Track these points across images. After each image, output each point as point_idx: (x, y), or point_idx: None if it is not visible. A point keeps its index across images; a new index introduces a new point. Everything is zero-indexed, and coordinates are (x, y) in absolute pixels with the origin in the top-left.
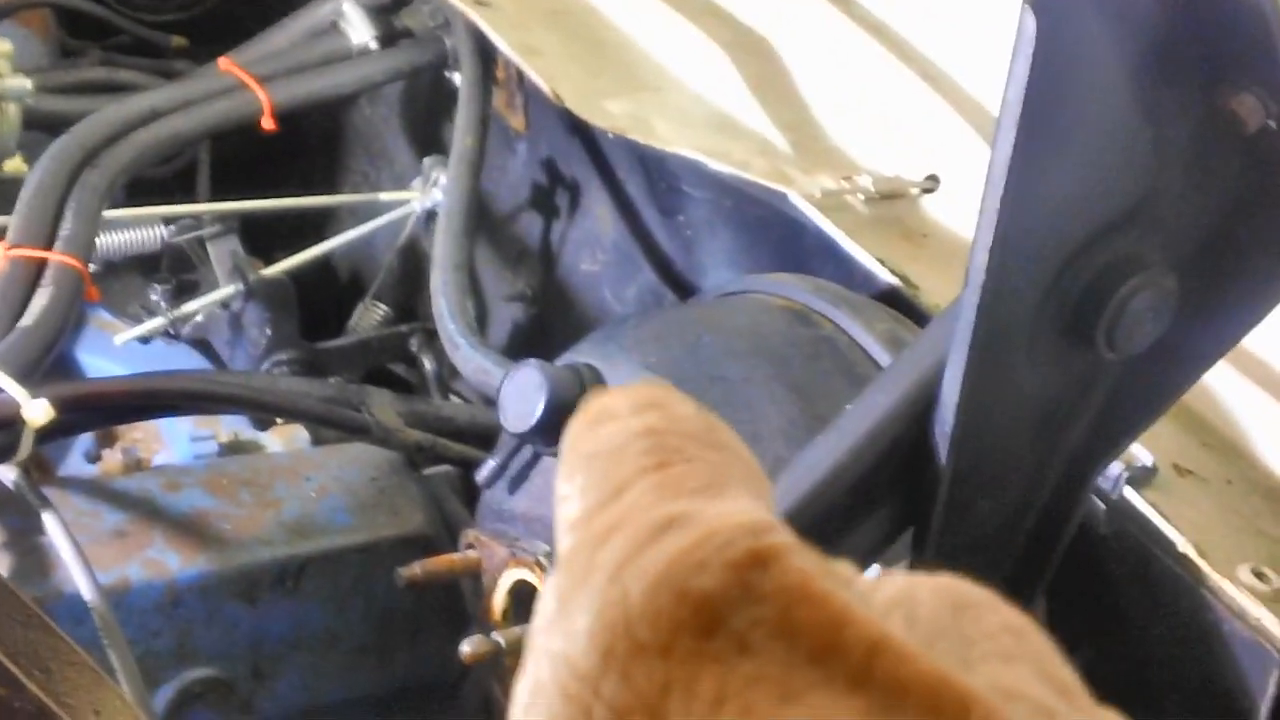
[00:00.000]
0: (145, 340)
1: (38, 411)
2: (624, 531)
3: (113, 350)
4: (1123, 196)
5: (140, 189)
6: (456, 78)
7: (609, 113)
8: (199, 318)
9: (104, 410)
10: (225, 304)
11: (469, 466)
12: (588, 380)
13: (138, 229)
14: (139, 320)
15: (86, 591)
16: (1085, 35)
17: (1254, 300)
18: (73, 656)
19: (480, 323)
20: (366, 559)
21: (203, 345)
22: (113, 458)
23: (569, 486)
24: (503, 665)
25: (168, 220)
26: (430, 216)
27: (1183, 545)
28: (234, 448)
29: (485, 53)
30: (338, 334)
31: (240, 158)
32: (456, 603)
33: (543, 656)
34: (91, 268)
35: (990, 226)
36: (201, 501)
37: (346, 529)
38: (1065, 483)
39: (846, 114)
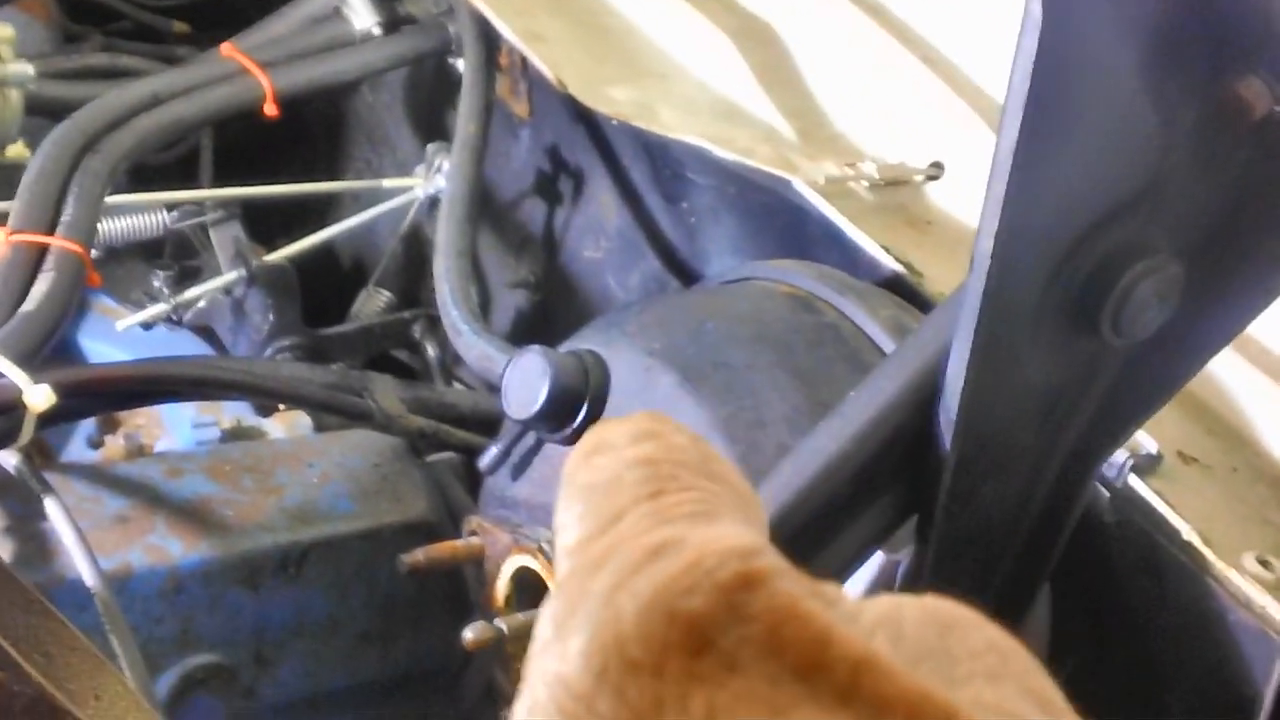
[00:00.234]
0: (147, 326)
1: (39, 397)
2: (617, 557)
3: (115, 336)
4: (1128, 182)
5: (143, 175)
6: (460, 64)
7: (613, 99)
8: (201, 304)
9: (106, 396)
10: (228, 290)
11: (472, 453)
12: (591, 367)
13: (140, 214)
14: (141, 306)
15: (88, 577)
16: (1091, 20)
17: (1260, 286)
18: (74, 642)
19: (483, 309)
20: (369, 546)
21: (205, 331)
22: (115, 443)
23: (567, 515)
24: (505, 652)
25: (170, 206)
26: (433, 203)
27: (1187, 533)
28: (236, 434)
29: (489, 39)
30: (340, 320)
31: (243, 144)
32: (459, 590)
33: (539, 678)
34: (93, 253)
35: (995, 212)
36: (204, 488)
37: (349, 515)
38: (1069, 470)
39: (851, 101)
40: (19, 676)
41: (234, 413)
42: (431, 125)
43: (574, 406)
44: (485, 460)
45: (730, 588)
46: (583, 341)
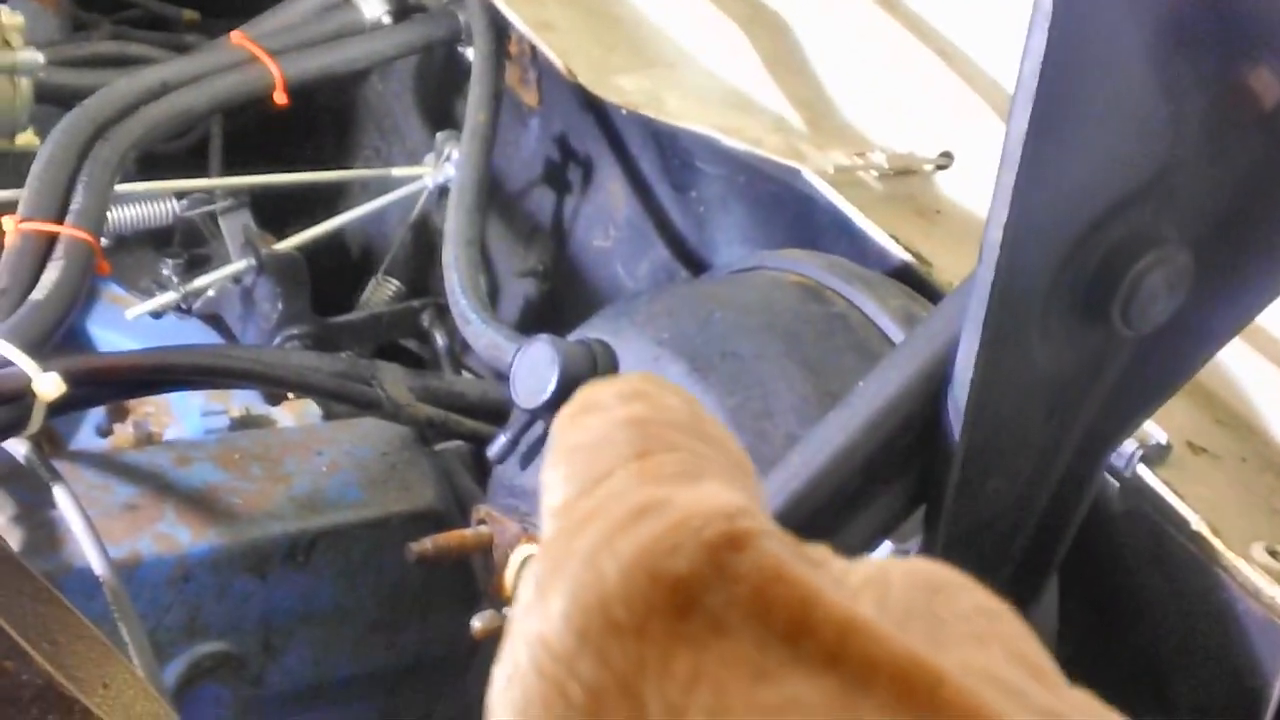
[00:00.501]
0: (157, 315)
1: (49, 385)
2: (601, 517)
3: (124, 324)
4: (1138, 171)
5: (152, 163)
6: (469, 53)
7: (622, 89)
8: (210, 292)
9: (115, 384)
10: (237, 279)
11: (480, 442)
12: (599, 356)
13: (149, 203)
14: (150, 294)
15: (97, 566)
16: (1101, 9)
17: (1269, 277)
18: (81, 630)
19: (492, 299)
20: (377, 534)
21: (214, 320)
22: (124, 432)
23: (553, 475)
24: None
25: (179, 194)
26: (442, 192)
27: (1196, 524)
28: (245, 422)
29: (498, 28)
30: (349, 309)
31: (252, 132)
32: (467, 579)
33: (519, 639)
34: (103, 242)
35: (1005, 202)
36: (212, 476)
37: (357, 504)
38: (1078, 460)
39: (860, 90)
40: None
41: (243, 401)
42: (441, 114)
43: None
44: (494, 449)
45: (716, 548)
46: (591, 330)
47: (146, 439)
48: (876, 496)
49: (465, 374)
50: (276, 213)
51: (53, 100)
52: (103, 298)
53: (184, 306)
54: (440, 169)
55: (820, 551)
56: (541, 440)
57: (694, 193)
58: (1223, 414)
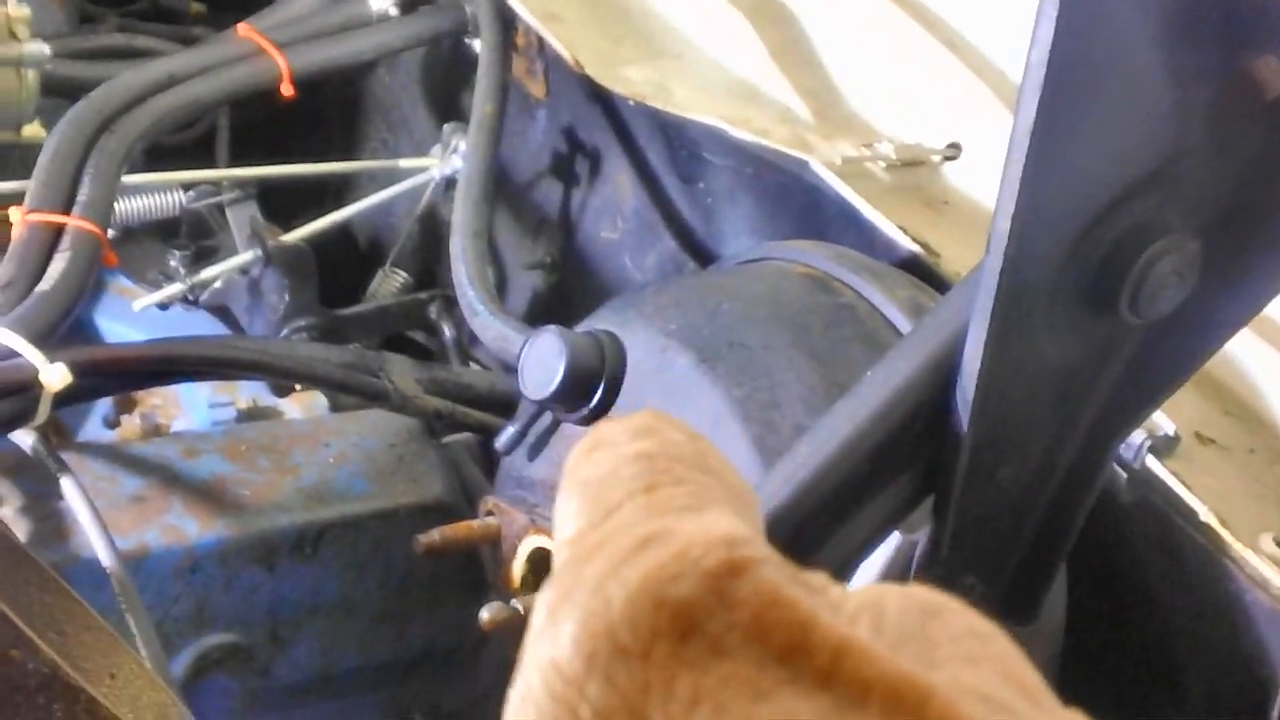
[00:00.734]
0: (164, 306)
1: (55, 376)
2: (609, 547)
3: (131, 316)
4: (1145, 161)
5: (159, 155)
6: (476, 44)
7: (629, 80)
8: (218, 284)
9: (122, 375)
10: (244, 270)
11: (488, 434)
12: (607, 347)
13: (156, 194)
14: (157, 286)
15: (105, 557)
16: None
17: (1278, 266)
18: (89, 620)
19: (500, 291)
20: (385, 526)
21: (221, 311)
22: (131, 423)
23: (565, 509)
24: (522, 633)
25: (187, 186)
26: (450, 184)
27: (1205, 515)
28: (252, 414)
29: (505, 19)
30: (356, 301)
31: (259, 124)
32: (475, 570)
33: (532, 663)
34: (110, 233)
35: (1013, 191)
36: (220, 468)
37: (365, 496)
38: (1086, 451)
39: (867, 81)
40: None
41: (250, 393)
42: (448, 106)
43: (590, 387)
44: (502, 440)
45: (716, 575)
46: (599, 322)
47: (154, 431)
48: (884, 486)
49: (472, 366)
50: (283, 204)
51: (59, 93)
52: (110, 289)
53: (191, 298)
54: (447, 161)
55: (818, 578)
56: (549, 431)
57: (701, 184)
58: (1231, 405)
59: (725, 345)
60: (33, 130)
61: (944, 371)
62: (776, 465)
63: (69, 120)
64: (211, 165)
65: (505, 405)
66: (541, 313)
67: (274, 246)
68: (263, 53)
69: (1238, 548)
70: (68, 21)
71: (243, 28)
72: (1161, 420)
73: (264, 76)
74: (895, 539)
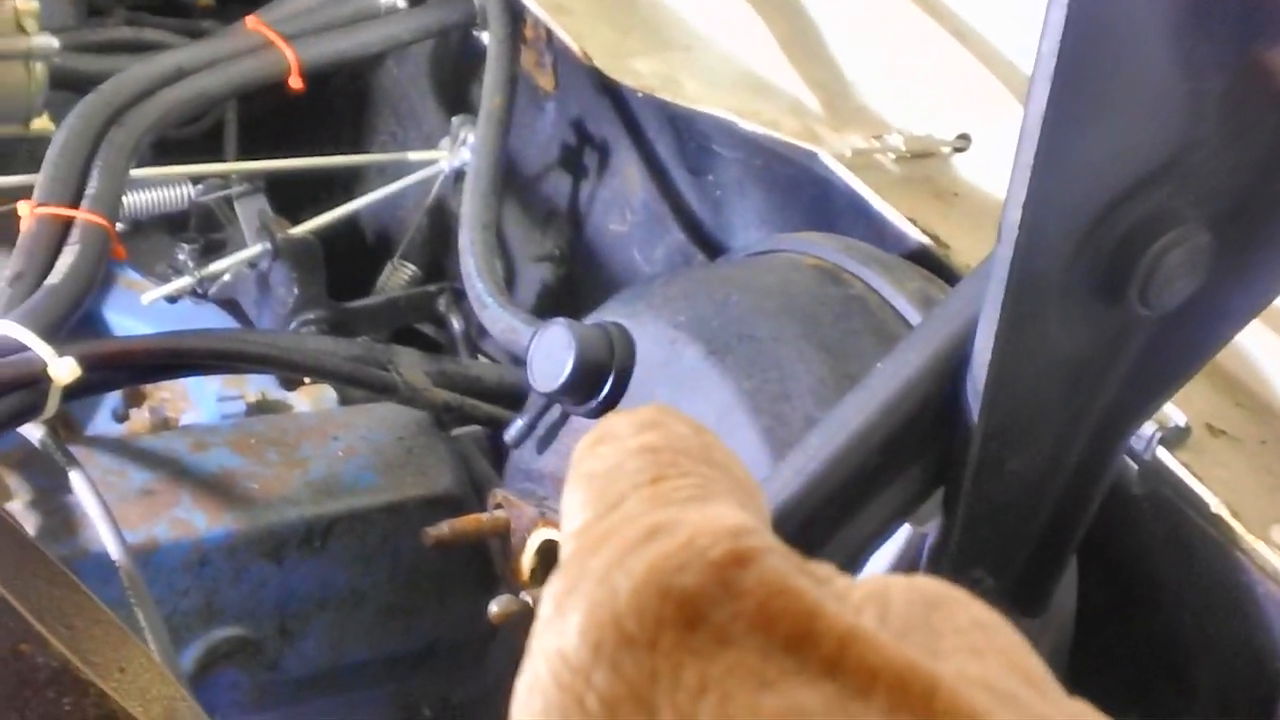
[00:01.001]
0: (172, 299)
1: (64, 370)
2: (615, 538)
3: (139, 309)
4: (1157, 151)
5: (167, 148)
6: (485, 37)
7: (638, 72)
8: (226, 277)
9: (131, 369)
10: (252, 263)
11: (497, 426)
12: (616, 339)
13: (165, 188)
14: (166, 279)
15: (114, 550)
16: None
17: None
18: (98, 614)
19: (508, 283)
20: (393, 519)
21: (230, 305)
22: (140, 417)
23: (571, 502)
24: (531, 626)
25: (195, 179)
26: (458, 176)
27: (1216, 506)
28: (261, 407)
29: (514, 11)
30: (365, 294)
31: (267, 117)
32: (484, 563)
33: (539, 654)
34: (118, 226)
35: (1023, 182)
36: (229, 461)
37: (373, 489)
38: (1097, 442)
39: (877, 73)
40: (43, 648)
41: (259, 386)
42: (456, 98)
43: (599, 379)
44: (511, 433)
45: (722, 565)
46: (608, 314)
47: (162, 424)
48: (894, 478)
49: (481, 358)
50: (292, 197)
51: (68, 86)
52: (118, 283)
53: (199, 291)
54: (456, 153)
55: (824, 569)
56: (558, 424)
57: (710, 176)
58: (1242, 397)
59: (735, 337)
60: (41, 124)
61: (954, 363)
62: (786, 457)
63: (77, 113)
64: (220, 158)
65: (514, 398)
66: (550, 305)
67: (282, 240)
68: (271, 45)
69: (1249, 539)
70: (76, 15)
71: (251, 20)
72: (1172, 412)
73: (272, 69)
74: (905, 531)
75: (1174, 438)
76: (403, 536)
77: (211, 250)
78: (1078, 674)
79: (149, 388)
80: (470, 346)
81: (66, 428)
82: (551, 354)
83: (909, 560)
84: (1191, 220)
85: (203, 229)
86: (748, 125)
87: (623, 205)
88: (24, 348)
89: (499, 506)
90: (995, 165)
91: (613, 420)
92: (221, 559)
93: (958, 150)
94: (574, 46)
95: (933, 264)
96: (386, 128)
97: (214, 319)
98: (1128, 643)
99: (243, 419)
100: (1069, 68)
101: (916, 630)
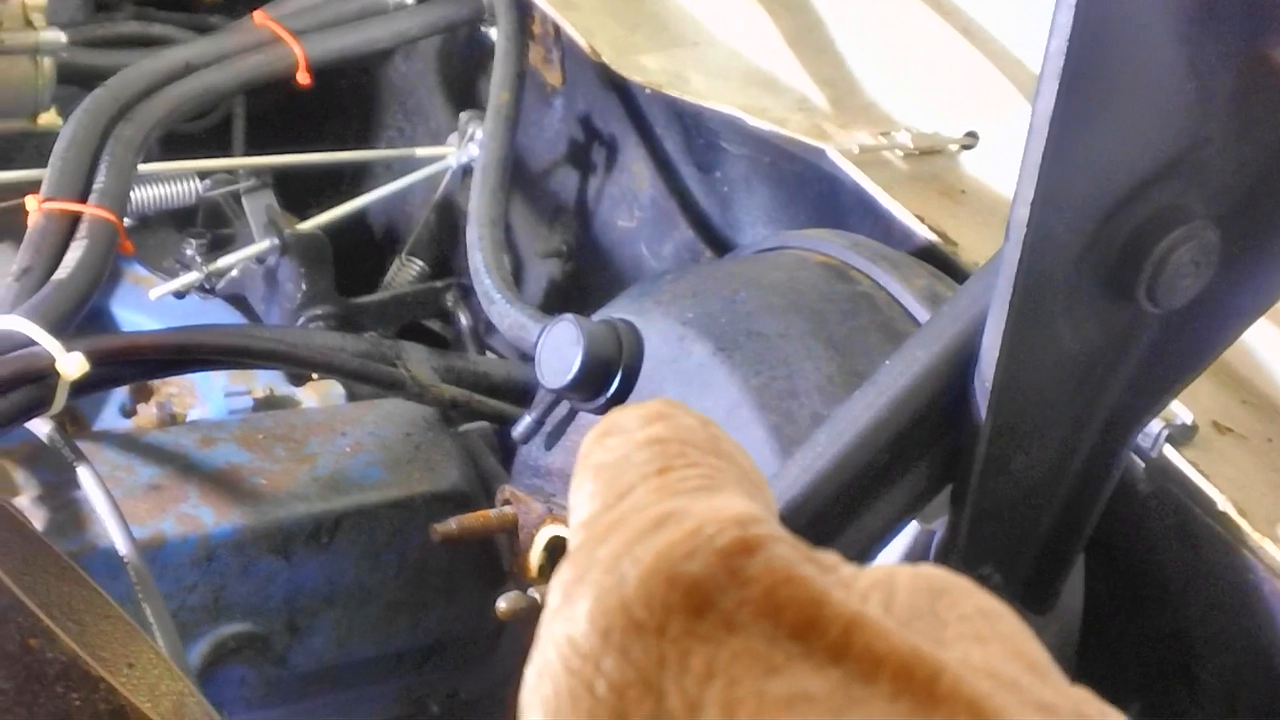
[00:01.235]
0: (180, 295)
1: (72, 365)
2: (623, 527)
3: (147, 305)
4: (1165, 148)
5: (175, 143)
6: (492, 33)
7: (646, 68)
8: (234, 272)
9: (139, 364)
10: (260, 259)
11: (504, 422)
12: (624, 336)
13: (172, 183)
14: (173, 275)
15: (121, 546)
16: None
17: None
18: (107, 610)
19: (516, 279)
20: (401, 515)
21: (237, 300)
22: (147, 413)
23: (580, 493)
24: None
25: (203, 174)
26: (466, 172)
27: (1222, 504)
28: (269, 403)
29: (521, 7)
30: (373, 289)
31: (275, 112)
32: (492, 559)
33: (548, 640)
34: (126, 221)
35: (1032, 179)
36: (236, 457)
37: (381, 485)
38: (1105, 439)
39: (885, 70)
40: (52, 642)
41: (266, 382)
42: (464, 94)
43: (607, 375)
44: (518, 429)
45: (729, 553)
46: (615, 310)
47: (170, 420)
48: (902, 475)
49: (489, 354)
50: (300, 193)
51: (75, 81)
52: (126, 278)
53: (207, 287)
54: (464, 149)
55: (830, 557)
56: (566, 420)
57: (718, 173)
58: (1249, 394)
59: (742, 334)
60: (49, 118)
61: (962, 360)
62: (794, 454)
63: (85, 108)
64: (227, 154)
65: (521, 394)
66: (557, 302)
67: (290, 235)
68: (279, 41)
69: (1256, 537)
70: (83, 10)
71: (259, 16)
72: (1179, 409)
73: (280, 65)
74: (913, 528)
75: (1181, 435)
76: (410, 532)
77: (219, 246)
78: (1085, 670)
79: (156, 383)
80: (477, 342)
81: (74, 423)
82: (560, 350)
83: (917, 557)
84: (1199, 217)
85: (210, 224)
86: (755, 122)
87: (630, 202)
88: (32, 342)
89: (507, 503)
90: (1003, 163)
91: (620, 413)
92: (229, 554)
93: (965, 148)
94: (582, 42)
95: (940, 261)
96: (394, 123)
97: (221, 314)
98: (1134, 639)
99: (250, 415)
100: (1077, 65)
101: (921, 618)
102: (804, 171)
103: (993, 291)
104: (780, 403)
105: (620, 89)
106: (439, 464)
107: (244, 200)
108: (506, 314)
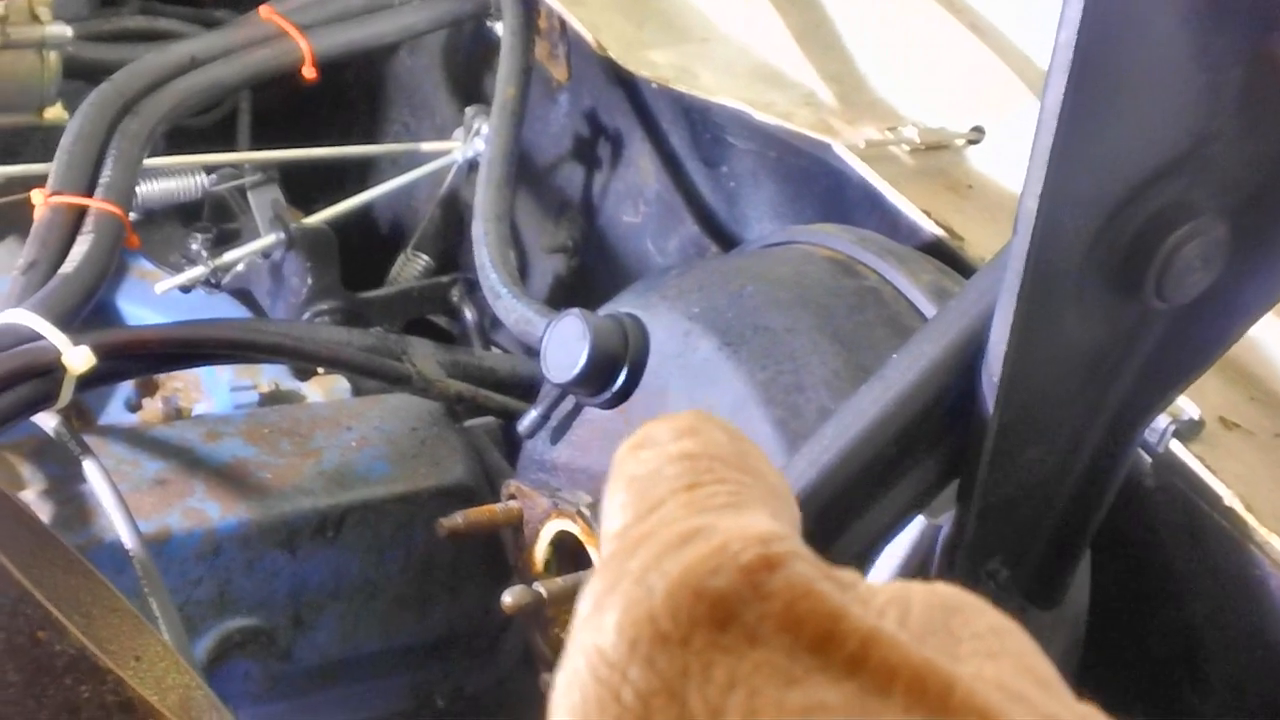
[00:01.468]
0: (185, 289)
1: (79, 358)
2: (652, 541)
3: (153, 299)
4: (1174, 143)
5: (181, 138)
6: (498, 27)
7: (653, 63)
8: (239, 267)
9: (145, 358)
10: (266, 253)
11: (510, 417)
12: (630, 330)
13: (178, 177)
14: (179, 269)
15: (127, 540)
16: None
17: None
18: (114, 603)
19: (522, 274)
20: (407, 509)
21: (243, 295)
22: (153, 407)
23: (612, 504)
24: (544, 616)
25: (208, 169)
26: (472, 167)
27: (1229, 499)
28: (274, 398)
29: (527, 2)
30: (378, 284)
31: (281, 107)
32: (497, 554)
33: (578, 649)
34: (132, 216)
35: (1039, 173)
36: (242, 451)
37: (386, 479)
38: (1112, 434)
39: (891, 65)
40: (60, 635)
41: (272, 376)
42: (470, 89)
43: (613, 370)
44: (524, 424)
45: (752, 569)
46: (622, 305)
47: (176, 414)
48: (909, 469)
49: (494, 349)
50: (305, 188)
51: (81, 75)
52: (132, 273)
53: (213, 281)
54: (470, 144)
55: (849, 575)
56: (572, 415)
57: (724, 168)
58: (1256, 390)
59: (749, 328)
60: (54, 113)
61: (969, 355)
62: (801, 449)
63: (91, 102)
64: (233, 148)
65: (527, 389)
66: (563, 297)
67: (296, 229)
68: (285, 35)
69: (1262, 533)
70: (89, 4)
71: (265, 10)
72: (1186, 405)
73: (286, 59)
74: (920, 523)
75: (1187, 431)
76: (416, 527)
77: (225, 240)
78: (1091, 666)
79: (162, 378)
80: (483, 337)
81: (80, 417)
82: (566, 344)
83: (924, 551)
84: (1208, 213)
85: (216, 219)
86: (762, 117)
87: (636, 197)
88: (38, 336)
89: (512, 497)
90: (1009, 158)
91: (654, 426)
92: (235, 549)
93: (972, 143)
94: (588, 37)
95: (947, 256)
96: (399, 118)
97: (227, 309)
98: (1141, 635)
99: (256, 409)
100: (1086, 59)
101: (935, 634)
102: (810, 166)
103: (1000, 286)
104: (787, 397)
105: (626, 84)
106: (444, 459)
107: (249, 195)
108: (512, 308)
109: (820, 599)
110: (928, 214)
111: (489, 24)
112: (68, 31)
